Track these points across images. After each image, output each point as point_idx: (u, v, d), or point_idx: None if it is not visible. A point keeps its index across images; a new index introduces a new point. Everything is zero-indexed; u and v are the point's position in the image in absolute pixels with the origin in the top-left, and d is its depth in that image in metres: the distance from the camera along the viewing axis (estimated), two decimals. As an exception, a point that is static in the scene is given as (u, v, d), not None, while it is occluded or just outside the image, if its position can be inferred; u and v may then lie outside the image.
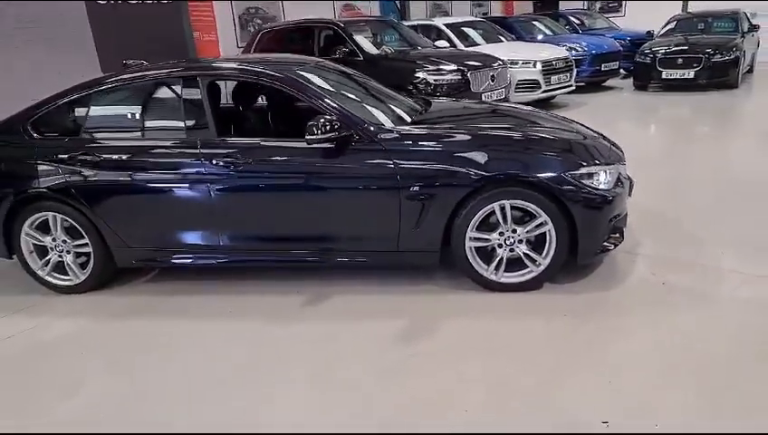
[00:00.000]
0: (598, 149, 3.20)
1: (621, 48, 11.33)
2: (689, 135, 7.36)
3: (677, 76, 10.07)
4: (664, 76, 10.18)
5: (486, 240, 3.12)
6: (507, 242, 3.11)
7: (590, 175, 3.01)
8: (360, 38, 7.73)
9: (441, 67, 7.07)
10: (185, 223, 3.37)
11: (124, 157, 3.35)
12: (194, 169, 3.24)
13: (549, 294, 3.15)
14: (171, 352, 2.90)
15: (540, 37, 11.61)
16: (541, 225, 3.04)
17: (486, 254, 3.17)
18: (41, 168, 3.38)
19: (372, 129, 3.14)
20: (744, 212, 4.15)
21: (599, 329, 2.80)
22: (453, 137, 3.20)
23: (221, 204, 3.27)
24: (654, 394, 2.30)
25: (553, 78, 9.04)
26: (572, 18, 13.42)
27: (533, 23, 12.30)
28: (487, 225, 3.12)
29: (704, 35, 10.80)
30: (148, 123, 3.51)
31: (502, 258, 3.13)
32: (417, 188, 3.04)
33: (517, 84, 8.65)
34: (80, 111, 3.50)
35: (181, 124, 3.34)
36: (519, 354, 2.64)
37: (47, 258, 3.55)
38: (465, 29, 10.18)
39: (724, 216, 4.12)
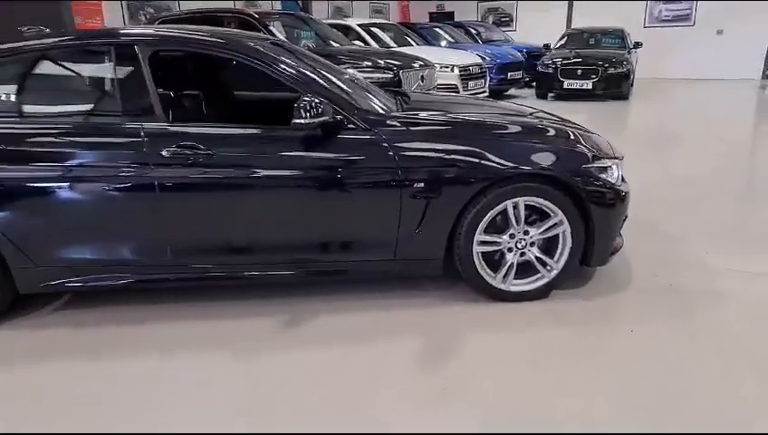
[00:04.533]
0: (599, 142, 2.96)
1: (523, 59, 11.75)
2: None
3: (577, 86, 10.60)
4: (565, 86, 10.65)
5: (496, 244, 2.74)
6: (518, 245, 2.75)
7: (605, 169, 2.75)
8: (276, 31, 7.10)
9: (369, 64, 6.66)
10: (120, 232, 2.60)
11: (30, 149, 2.52)
12: (133, 164, 2.50)
13: (559, 301, 2.83)
14: (91, 412, 2.15)
15: (443, 44, 11.68)
16: (555, 225, 2.72)
17: (492, 259, 2.79)
18: None
19: (366, 115, 2.63)
20: (688, 212, 4.20)
21: (634, 339, 2.52)
22: (462, 126, 2.79)
23: (171, 207, 2.56)
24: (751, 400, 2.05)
25: (470, 83, 9.03)
26: (471, 29, 13.74)
27: (437, 29, 12.38)
28: (495, 227, 2.74)
29: (596, 50, 11.51)
30: (63, 105, 2.70)
31: (512, 264, 2.77)
32: (421, 184, 2.58)
33: (436, 88, 8.49)
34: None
35: (114, 107, 2.58)
36: (564, 370, 2.28)
37: None
38: (375, 30, 9.88)
39: (680, 213, 4.12)
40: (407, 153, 2.57)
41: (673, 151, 6.57)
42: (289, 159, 2.57)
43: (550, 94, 11.11)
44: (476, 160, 2.59)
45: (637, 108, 10.27)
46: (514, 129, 2.84)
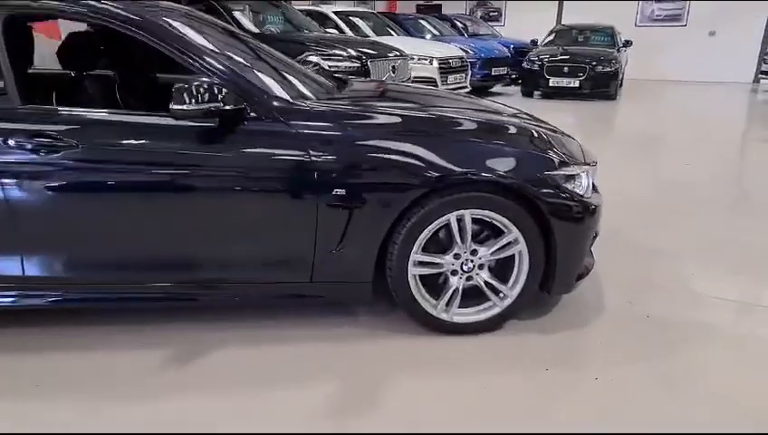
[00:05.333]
0: (567, 145, 2.47)
1: (509, 55, 11.26)
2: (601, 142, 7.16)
3: (564, 84, 10.14)
4: (551, 83, 10.19)
5: (436, 265, 2.25)
6: (464, 268, 2.26)
7: (572, 177, 2.26)
8: (239, 15, 6.55)
9: (337, 52, 6.13)
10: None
11: None
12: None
13: (514, 335, 2.35)
14: None
15: (428, 37, 11.16)
16: (509, 244, 2.23)
17: (436, 284, 2.30)
18: None
19: (276, 103, 2.12)
20: (671, 225, 3.74)
21: (599, 388, 2.04)
22: (396, 119, 2.29)
23: (25, 212, 2.04)
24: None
25: (450, 77, 8.53)
26: (458, 22, 13.22)
27: (421, 21, 11.85)
28: (438, 244, 2.25)
29: (585, 47, 11.05)
30: None
31: (456, 290, 2.28)
32: (342, 191, 2.08)
33: (413, 81, 7.98)
34: None
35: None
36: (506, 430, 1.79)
37: None
38: (354, 19, 9.35)
39: (661, 225, 3.66)
40: (322, 152, 2.06)
41: (659, 156, 6.12)
42: (172, 154, 2.05)
43: (536, 92, 10.64)
44: (412, 162, 2.10)
45: (624, 109, 9.83)
46: (468, 126, 2.35)
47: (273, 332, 2.35)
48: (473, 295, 2.31)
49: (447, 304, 2.29)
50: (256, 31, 6.44)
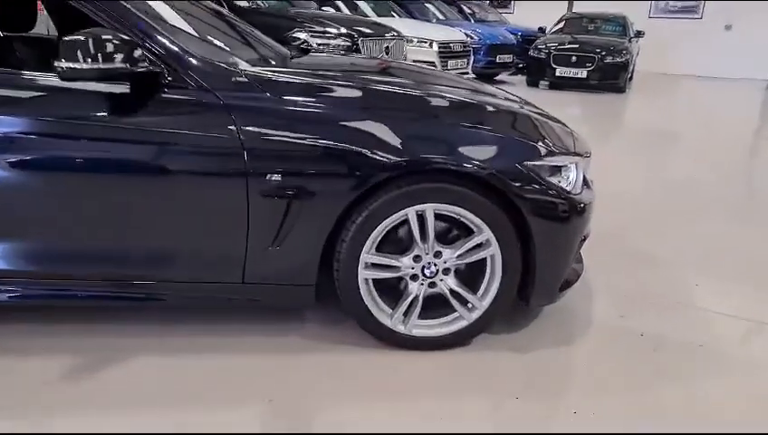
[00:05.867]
0: (557, 131, 2.10)
1: (516, 42, 10.82)
2: (610, 138, 6.78)
3: (570, 74, 9.71)
4: (558, 73, 9.77)
5: (393, 268, 1.90)
6: (426, 272, 1.91)
7: (557, 169, 1.91)
8: (233, -12, 6.18)
9: (328, 29, 5.75)
10: None
11: None
12: None
13: (481, 352, 2.01)
14: None
15: (433, 21, 10.72)
16: (480, 246, 1.88)
17: (393, 291, 1.96)
18: None
19: (202, 65, 1.76)
20: (680, 224, 3.37)
21: (584, 423, 1.69)
22: (347, 93, 1.94)
23: None
24: None
25: (450, 62, 8.13)
26: (464, 7, 12.76)
27: (426, 4, 11.40)
28: (394, 244, 1.90)
29: (594, 36, 10.60)
30: None
31: (416, 297, 1.93)
32: (278, 177, 1.73)
33: (409, 64, 7.59)
34: None
35: None
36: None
37: None
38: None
39: (664, 229, 3.30)
40: (254, 129, 1.71)
41: (667, 154, 5.73)
42: (72, 125, 1.70)
43: (542, 82, 10.21)
44: (365, 145, 1.75)
45: (633, 102, 9.41)
46: (437, 103, 2.00)
47: (208, 339, 2.02)
48: (436, 306, 1.97)
49: (405, 315, 1.94)
50: (244, 5, 6.08)
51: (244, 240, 1.79)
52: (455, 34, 8.56)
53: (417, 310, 1.93)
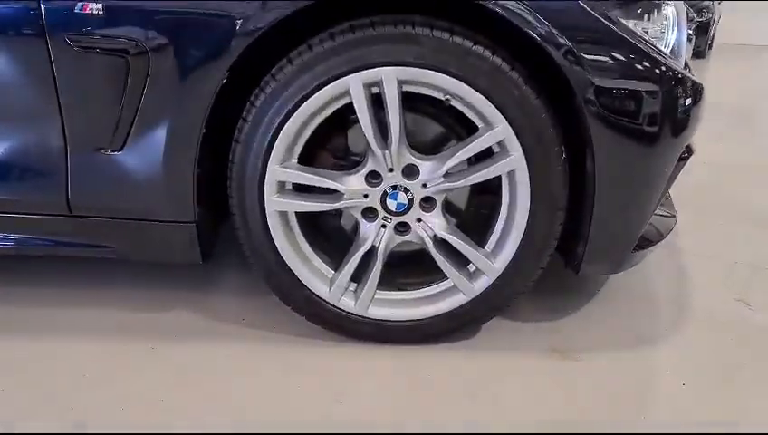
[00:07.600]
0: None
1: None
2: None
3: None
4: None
5: (331, 195, 1.06)
6: (391, 204, 1.06)
7: (649, 13, 1.01)
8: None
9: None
10: None
11: None
12: None
13: (494, 354, 1.14)
14: None
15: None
16: (493, 157, 1.02)
17: (339, 240, 1.13)
18: None
19: None
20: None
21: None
22: None
23: None
24: None
25: None
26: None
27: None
28: (333, 152, 1.07)
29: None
30: None
31: (374, 250, 1.08)
32: (98, 14, 0.92)
33: None
34: None
35: None
36: None
37: None
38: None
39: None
40: None
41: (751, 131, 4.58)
42: None
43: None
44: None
45: (714, 73, 8.10)
46: None
47: (55, 290, 1.27)
48: (414, 269, 1.13)
49: (357, 281, 1.11)
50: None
51: (61, 136, 1.00)
52: None
53: (376, 272, 1.08)
